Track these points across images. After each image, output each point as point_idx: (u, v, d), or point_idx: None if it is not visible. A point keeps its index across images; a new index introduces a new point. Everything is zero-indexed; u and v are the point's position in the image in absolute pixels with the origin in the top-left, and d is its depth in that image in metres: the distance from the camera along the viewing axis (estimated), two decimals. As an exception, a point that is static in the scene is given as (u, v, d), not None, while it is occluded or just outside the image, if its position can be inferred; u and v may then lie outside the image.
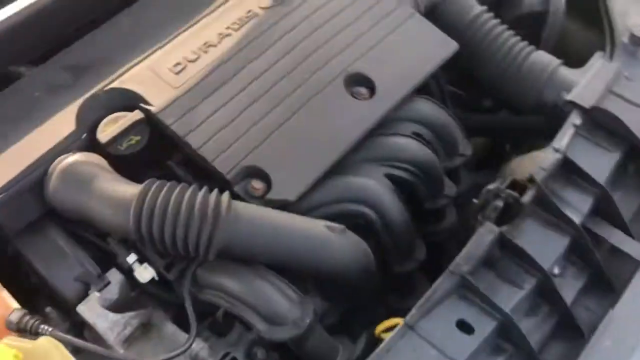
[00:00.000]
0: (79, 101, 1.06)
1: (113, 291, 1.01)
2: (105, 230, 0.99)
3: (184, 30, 1.15)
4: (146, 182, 0.96)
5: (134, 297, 1.05)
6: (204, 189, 0.96)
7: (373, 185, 1.07)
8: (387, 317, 1.13)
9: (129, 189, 0.96)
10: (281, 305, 0.95)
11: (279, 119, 1.06)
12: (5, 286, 0.98)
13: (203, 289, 1.00)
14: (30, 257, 1.02)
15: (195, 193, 0.94)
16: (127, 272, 1.02)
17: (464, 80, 1.65)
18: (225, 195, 0.96)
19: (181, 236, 0.93)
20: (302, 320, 0.94)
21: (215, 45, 1.13)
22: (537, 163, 1.25)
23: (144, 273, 1.01)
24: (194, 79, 1.08)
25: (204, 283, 1.00)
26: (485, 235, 0.98)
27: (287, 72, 1.11)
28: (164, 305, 1.07)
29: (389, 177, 1.10)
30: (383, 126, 1.12)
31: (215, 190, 0.96)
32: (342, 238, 0.99)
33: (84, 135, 1.04)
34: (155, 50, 1.12)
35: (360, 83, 1.13)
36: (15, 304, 0.93)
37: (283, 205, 1.00)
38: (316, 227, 0.98)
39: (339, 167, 1.07)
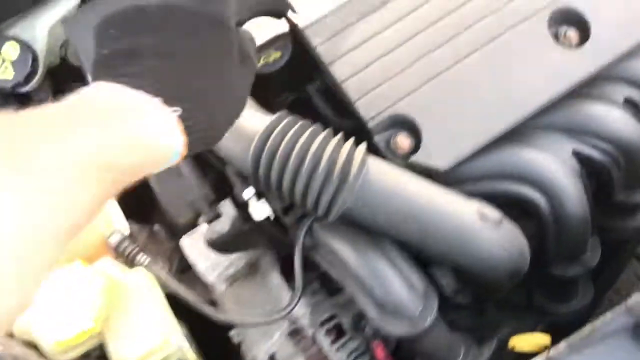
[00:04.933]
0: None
1: (223, 224, 0.91)
2: (224, 158, 0.87)
3: None
4: (275, 116, 0.80)
5: (246, 230, 0.96)
6: (338, 137, 0.79)
7: (554, 164, 0.83)
8: (530, 319, 0.94)
9: (255, 120, 0.81)
10: (401, 295, 0.79)
11: (447, 60, 0.83)
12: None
13: (317, 246, 0.87)
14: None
15: (326, 141, 0.78)
16: (243, 205, 0.92)
17: None
18: (360, 150, 0.78)
19: (300, 190, 0.78)
20: (423, 318, 0.78)
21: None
22: None
23: (260, 210, 0.90)
24: (353, -9, 0.87)
25: (319, 241, 0.86)
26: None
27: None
28: (276, 245, 0.97)
29: (578, 155, 0.85)
30: (585, 85, 0.85)
31: (350, 142, 0.79)
32: (496, 232, 0.78)
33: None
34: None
35: (570, 22, 0.85)
36: (118, 224, 0.87)
37: (428, 172, 0.81)
38: (465, 211, 0.79)
39: (512, 132, 0.83)
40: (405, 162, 0.82)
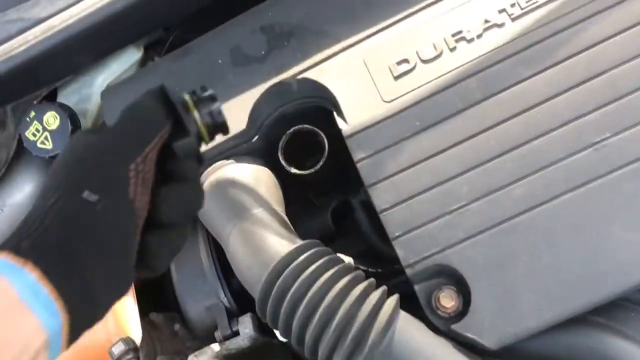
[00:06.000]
0: (266, 84, 0.78)
1: (242, 339, 0.80)
2: (237, 275, 0.75)
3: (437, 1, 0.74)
4: (296, 245, 0.67)
5: (271, 344, 0.84)
6: (365, 283, 0.64)
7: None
8: None
9: (274, 248, 0.69)
10: None
11: (520, 202, 0.64)
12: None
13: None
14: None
15: (348, 289, 0.63)
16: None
17: None
18: (389, 305, 0.63)
19: (310, 344, 0.65)
20: None
21: (470, 40, 0.71)
22: None
23: (284, 331, 0.78)
24: (415, 94, 0.70)
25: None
26: None
27: (568, 119, 0.65)
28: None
29: (690, 351, 0.62)
30: None
31: (379, 292, 0.64)
32: None
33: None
34: (382, 28, 0.75)
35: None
36: (129, 330, 0.80)
37: (474, 345, 0.64)
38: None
39: (593, 311, 0.63)
40: (448, 327, 0.65)
